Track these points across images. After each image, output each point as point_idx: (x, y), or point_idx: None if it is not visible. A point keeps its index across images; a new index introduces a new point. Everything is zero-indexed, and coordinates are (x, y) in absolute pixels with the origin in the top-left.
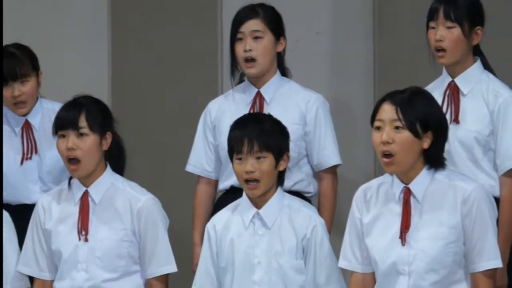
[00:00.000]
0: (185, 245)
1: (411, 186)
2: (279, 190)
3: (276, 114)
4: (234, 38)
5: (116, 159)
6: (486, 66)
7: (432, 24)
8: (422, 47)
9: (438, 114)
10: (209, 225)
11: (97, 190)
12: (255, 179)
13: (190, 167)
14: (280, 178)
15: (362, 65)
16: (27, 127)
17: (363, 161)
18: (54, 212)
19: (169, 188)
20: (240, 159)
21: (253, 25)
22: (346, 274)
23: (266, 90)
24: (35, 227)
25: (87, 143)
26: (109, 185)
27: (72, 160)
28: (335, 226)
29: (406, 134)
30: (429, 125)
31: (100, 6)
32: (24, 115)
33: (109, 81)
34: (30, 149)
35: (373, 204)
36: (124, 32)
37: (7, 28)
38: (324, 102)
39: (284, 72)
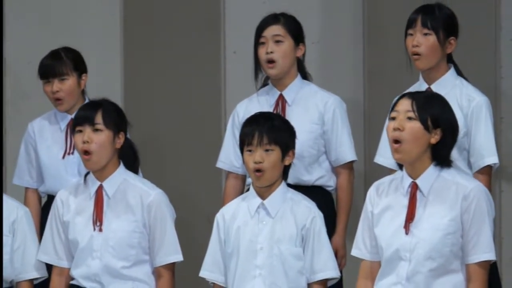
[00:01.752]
0: (191, 236)
1: (418, 181)
2: (283, 183)
3: (297, 115)
4: (257, 43)
5: (131, 162)
6: (459, 73)
7: (410, 31)
8: (407, 55)
9: (450, 117)
10: (218, 215)
11: (110, 184)
12: (261, 169)
13: (220, 164)
14: (285, 173)
15: (353, 71)
16: (72, 125)
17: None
18: (72, 205)
19: (178, 184)
20: (250, 150)
21: (275, 30)
22: (357, 261)
23: (288, 93)
24: (54, 219)
25: (101, 138)
26: (122, 180)
27: (86, 153)
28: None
29: (416, 124)
30: (439, 123)
31: (113, 19)
32: (69, 112)
33: (121, 88)
34: (72, 145)
35: (384, 197)
36: (135, 43)
37: (31, 38)
38: (341, 103)
39: (305, 76)
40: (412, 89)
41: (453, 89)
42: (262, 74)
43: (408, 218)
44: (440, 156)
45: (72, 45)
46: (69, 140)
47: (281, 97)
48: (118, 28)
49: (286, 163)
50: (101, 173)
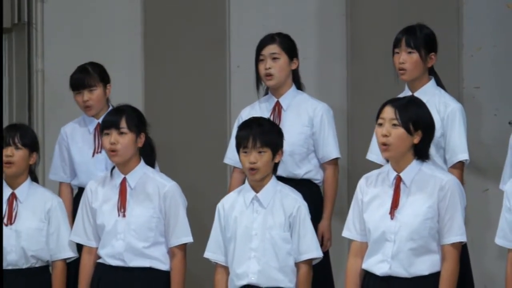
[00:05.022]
0: (201, 222)
1: (402, 174)
2: (274, 178)
3: (291, 118)
4: (258, 59)
5: (148, 156)
6: (439, 83)
7: (396, 50)
8: (384, 69)
9: (428, 118)
10: (219, 205)
11: (133, 177)
12: (256, 168)
13: (227, 160)
14: (275, 169)
15: (338, 83)
16: (98, 128)
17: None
18: (100, 194)
19: (189, 177)
20: (246, 152)
21: (272, 49)
22: (341, 243)
23: (283, 100)
24: (84, 206)
25: (125, 140)
26: (142, 174)
27: (113, 152)
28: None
29: (401, 130)
30: (419, 125)
31: (135, 37)
32: (94, 117)
33: (142, 95)
34: (99, 145)
35: (372, 187)
36: (154, 58)
37: (65, 54)
38: (328, 109)
39: (299, 86)
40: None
41: (432, 97)
42: (263, 86)
43: (393, 205)
44: (421, 152)
45: (100, 59)
46: (97, 141)
47: (277, 103)
48: (139, 45)
49: (276, 161)
50: (125, 168)
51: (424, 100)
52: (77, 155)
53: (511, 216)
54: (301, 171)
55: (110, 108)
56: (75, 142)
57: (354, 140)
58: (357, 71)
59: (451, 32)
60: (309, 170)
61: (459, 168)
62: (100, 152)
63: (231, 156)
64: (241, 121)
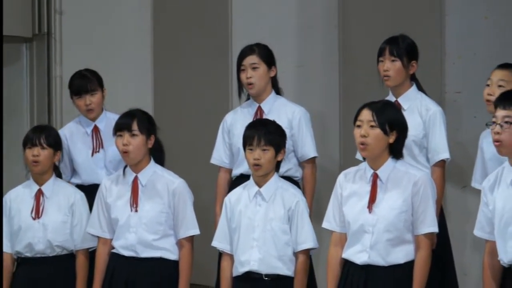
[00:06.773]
0: (206, 215)
1: (378, 171)
2: (276, 174)
3: None
4: (239, 69)
5: (158, 157)
6: (420, 89)
7: (381, 58)
8: (373, 76)
9: (401, 120)
10: (226, 198)
11: (144, 176)
12: (259, 164)
13: (214, 160)
14: (277, 166)
15: (331, 88)
16: (95, 130)
17: (332, 155)
18: (113, 191)
19: (195, 174)
20: (251, 149)
21: (251, 59)
22: (327, 233)
23: (264, 105)
24: (99, 201)
25: (137, 141)
26: (152, 172)
27: (125, 153)
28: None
29: (377, 131)
30: (394, 126)
31: (144, 46)
32: (93, 119)
33: (152, 100)
34: (97, 145)
35: (351, 183)
36: (162, 65)
37: (83, 61)
38: (305, 112)
39: (278, 91)
40: None
41: (415, 101)
42: (244, 92)
43: (371, 200)
44: (396, 151)
45: (113, 65)
46: (95, 141)
47: (259, 108)
48: (149, 53)
49: (279, 159)
50: (137, 167)
51: (407, 105)
52: (77, 155)
53: (488, 210)
54: (282, 169)
55: (104, 112)
56: (75, 143)
57: (346, 141)
58: (349, 77)
59: (434, 42)
60: (289, 168)
61: (441, 166)
62: (98, 151)
63: (217, 157)
64: (225, 125)
